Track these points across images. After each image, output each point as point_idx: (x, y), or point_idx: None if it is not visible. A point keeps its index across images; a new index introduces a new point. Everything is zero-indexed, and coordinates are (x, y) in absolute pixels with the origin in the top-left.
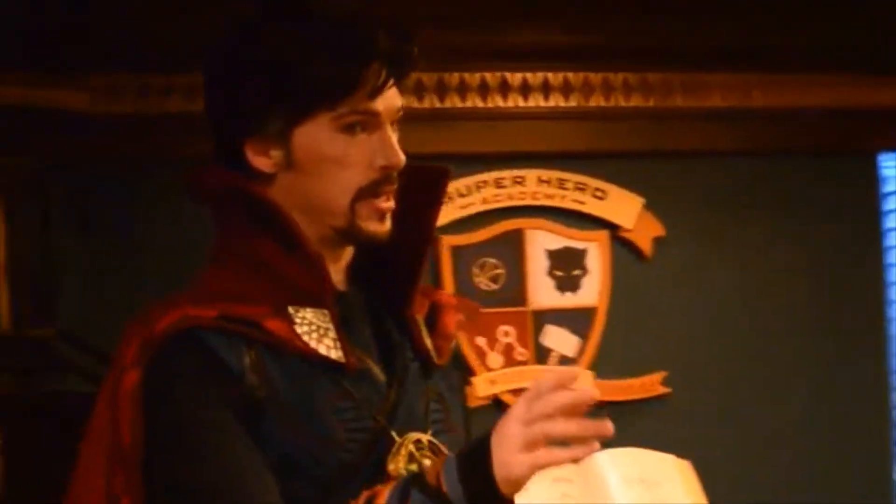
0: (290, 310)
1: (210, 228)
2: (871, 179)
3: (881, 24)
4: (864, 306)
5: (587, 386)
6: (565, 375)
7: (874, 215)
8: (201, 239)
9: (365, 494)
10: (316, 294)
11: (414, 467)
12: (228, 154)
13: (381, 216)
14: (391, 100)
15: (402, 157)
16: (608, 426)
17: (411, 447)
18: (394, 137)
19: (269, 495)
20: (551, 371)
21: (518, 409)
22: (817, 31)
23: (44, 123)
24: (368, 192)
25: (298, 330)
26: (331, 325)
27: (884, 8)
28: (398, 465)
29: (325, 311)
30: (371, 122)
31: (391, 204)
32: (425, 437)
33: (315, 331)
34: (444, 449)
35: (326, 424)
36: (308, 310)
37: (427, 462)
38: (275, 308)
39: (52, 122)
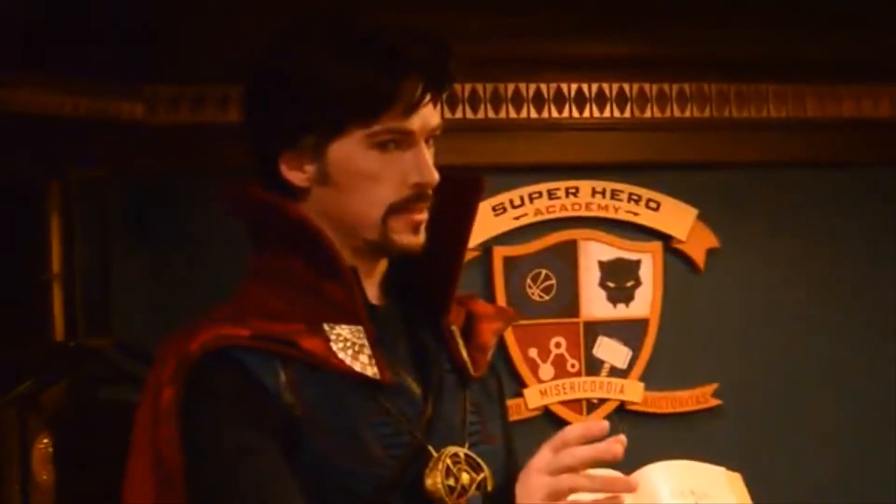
0: (326, 327)
1: None
2: None
3: None
4: None
5: (616, 438)
6: (593, 428)
7: None
8: None
9: None
10: (350, 311)
11: (451, 482)
12: (264, 168)
13: (414, 228)
14: (427, 118)
15: (436, 176)
16: (633, 484)
17: (448, 461)
18: (428, 154)
19: None
20: (579, 422)
21: (542, 458)
22: (873, 42)
23: (100, 133)
24: (400, 207)
25: (334, 347)
26: (366, 342)
27: None
28: (435, 479)
29: (360, 328)
30: (405, 140)
31: (425, 216)
32: (462, 451)
33: (350, 347)
34: (481, 462)
35: (363, 441)
36: (343, 326)
37: (465, 476)
38: (310, 325)
39: (108, 131)
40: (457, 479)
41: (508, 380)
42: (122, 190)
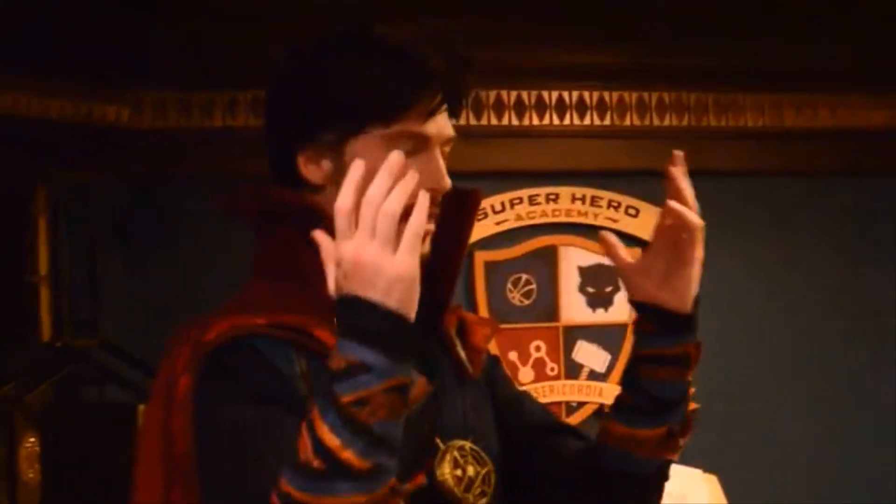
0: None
1: (251, 244)
2: None
3: None
4: None
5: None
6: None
7: None
8: (243, 254)
9: None
10: None
11: (459, 472)
12: (280, 166)
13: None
14: (443, 127)
15: (449, 182)
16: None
17: (455, 454)
18: (442, 162)
19: None
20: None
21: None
22: (850, 53)
23: (86, 137)
24: (410, 213)
25: None
26: None
27: None
28: (444, 471)
29: None
30: (421, 146)
31: (431, 227)
32: (468, 444)
33: None
34: (485, 456)
35: None
36: None
37: (471, 469)
38: (322, 317)
39: (95, 136)
40: (464, 471)
41: None
42: (107, 193)
